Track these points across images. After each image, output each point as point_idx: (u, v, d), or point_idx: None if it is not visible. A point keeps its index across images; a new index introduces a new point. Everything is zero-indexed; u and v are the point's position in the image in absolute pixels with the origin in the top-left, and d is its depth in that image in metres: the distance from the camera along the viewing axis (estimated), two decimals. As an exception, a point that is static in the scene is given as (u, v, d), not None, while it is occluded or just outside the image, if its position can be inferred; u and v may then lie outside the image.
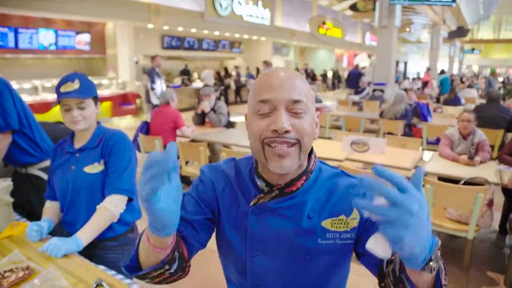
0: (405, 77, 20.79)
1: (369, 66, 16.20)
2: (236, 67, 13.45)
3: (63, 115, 1.53)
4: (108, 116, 9.31)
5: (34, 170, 2.33)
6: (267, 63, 9.74)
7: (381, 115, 6.04)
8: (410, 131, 5.79)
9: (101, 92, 9.51)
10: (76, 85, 1.47)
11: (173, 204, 0.65)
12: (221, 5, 11.07)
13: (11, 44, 8.61)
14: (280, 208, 0.85)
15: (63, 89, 1.47)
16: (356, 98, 9.30)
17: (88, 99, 1.51)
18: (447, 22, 18.65)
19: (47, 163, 2.37)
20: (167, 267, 0.78)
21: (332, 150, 3.86)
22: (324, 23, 16.46)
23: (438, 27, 17.48)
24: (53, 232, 1.60)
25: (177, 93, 5.03)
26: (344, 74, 20.71)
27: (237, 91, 13.47)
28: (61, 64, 10.22)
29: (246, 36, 13.78)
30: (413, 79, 14.61)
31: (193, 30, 11.32)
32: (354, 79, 11.97)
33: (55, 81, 9.00)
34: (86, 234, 1.44)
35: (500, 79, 17.44)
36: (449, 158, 3.48)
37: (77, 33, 9.93)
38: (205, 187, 0.93)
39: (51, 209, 1.66)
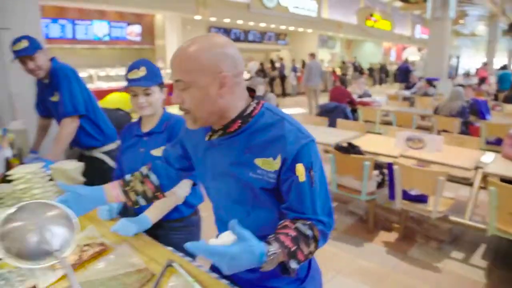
0: (457, 72, 19.68)
1: (420, 60, 15.48)
2: (281, 59, 13.34)
3: (131, 100, 1.60)
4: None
5: (98, 153, 2.46)
6: (313, 56, 9.60)
7: (435, 111, 5.75)
8: (466, 129, 5.46)
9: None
10: (142, 72, 1.51)
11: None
12: (268, -4, 11.03)
13: (69, 35, 9.11)
14: (222, 144, 1.05)
15: (130, 76, 1.52)
16: (406, 93, 8.91)
17: (153, 86, 1.55)
18: (506, 13, 17.38)
19: (110, 147, 2.49)
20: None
21: (384, 146, 3.73)
22: (371, 15, 15.94)
23: (497, 18, 16.34)
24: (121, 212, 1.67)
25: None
26: (392, 68, 19.96)
27: (282, 84, 13.35)
28: (113, 54, 10.66)
29: (292, 28, 13.64)
30: (468, 74, 13.80)
31: (240, 22, 11.37)
32: (403, 74, 11.49)
33: (108, 70, 9.42)
34: (153, 213, 1.50)
35: None
36: (513, 159, 3.25)
37: (129, 24, 10.30)
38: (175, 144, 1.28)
39: None
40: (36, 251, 1.05)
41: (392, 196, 3.13)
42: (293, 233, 0.93)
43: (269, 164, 0.99)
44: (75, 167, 1.67)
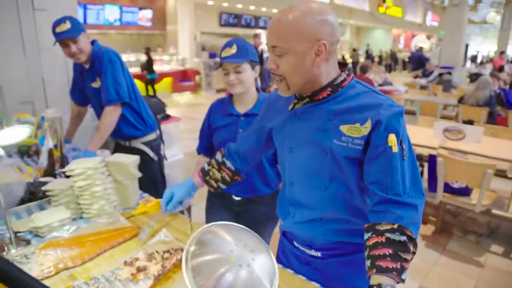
0: (466, 60, 19.40)
1: (435, 48, 15.21)
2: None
3: (223, 78, 1.58)
4: (168, 91, 9.47)
5: (138, 144, 2.35)
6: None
7: (460, 101, 5.61)
8: (492, 119, 5.33)
9: (161, 68, 9.67)
10: (233, 50, 1.49)
11: None
12: (281, -19, 10.76)
13: (80, 19, 8.88)
14: (308, 111, 1.04)
15: (222, 54, 1.52)
16: (423, 81, 8.75)
17: (244, 63, 1.52)
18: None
19: (150, 137, 2.38)
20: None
21: (420, 136, 3.61)
22: (384, 1, 15.62)
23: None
24: None
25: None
26: (401, 56, 19.66)
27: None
28: (123, 39, 10.49)
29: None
30: (482, 62, 13.56)
31: (252, 8, 11.13)
32: (416, 62, 11.29)
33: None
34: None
35: None
36: (556, 151, 3.15)
37: (140, 9, 10.09)
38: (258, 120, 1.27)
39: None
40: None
41: (432, 188, 3.03)
42: (389, 250, 0.86)
43: (356, 130, 0.96)
44: (133, 160, 1.57)
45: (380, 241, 0.88)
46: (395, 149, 0.93)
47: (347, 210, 1.04)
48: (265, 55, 5.72)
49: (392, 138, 0.93)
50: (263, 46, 5.62)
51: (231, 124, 1.63)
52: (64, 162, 2.02)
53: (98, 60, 2.11)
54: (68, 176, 1.47)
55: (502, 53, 12.94)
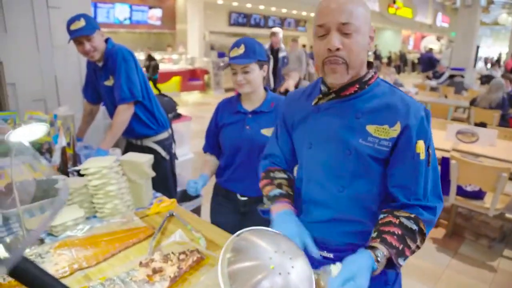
0: (476, 61, 19.16)
1: (445, 49, 15.07)
2: (303, 46, 13.07)
3: (231, 78, 1.59)
4: (177, 90, 9.48)
5: (150, 143, 2.34)
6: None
7: (472, 103, 5.54)
8: (505, 122, 5.25)
9: (170, 67, 9.68)
10: (241, 50, 1.51)
11: None
12: (291, -20, 10.73)
13: (90, 17, 8.95)
14: (333, 107, 1.00)
15: (231, 54, 1.53)
16: (433, 83, 8.65)
17: (252, 63, 1.53)
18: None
19: (162, 135, 2.37)
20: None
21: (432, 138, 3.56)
22: (394, 1, 15.49)
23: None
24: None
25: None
26: (410, 57, 19.48)
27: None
28: (133, 38, 10.53)
29: (312, 14, 13.31)
30: (492, 64, 13.39)
31: (261, 7, 11.11)
32: (425, 63, 11.17)
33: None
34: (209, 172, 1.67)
35: None
36: None
37: (150, 8, 10.12)
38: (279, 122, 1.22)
39: (211, 162, 1.78)
40: None
41: (444, 191, 2.99)
42: (398, 230, 0.90)
43: (384, 131, 0.95)
44: (147, 159, 1.56)
45: (393, 222, 0.92)
46: (422, 156, 0.94)
47: (364, 212, 1.02)
48: (281, 54, 5.66)
49: (420, 145, 0.93)
50: (280, 45, 5.55)
51: (239, 122, 1.64)
52: (76, 160, 2.02)
53: (112, 58, 2.10)
54: (81, 175, 1.46)
55: (514, 55, 12.77)
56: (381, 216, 0.96)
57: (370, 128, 0.96)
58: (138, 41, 10.54)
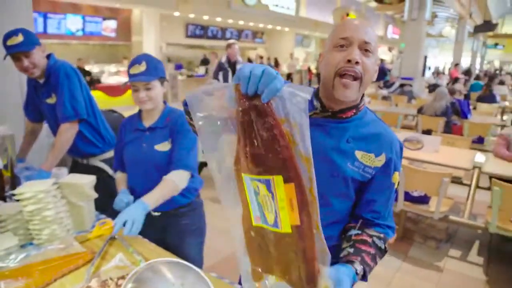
0: (424, 71, 20.33)
1: (396, 59, 15.85)
2: (261, 57, 13.26)
3: (132, 95, 1.58)
4: (132, 104, 9.22)
5: (97, 162, 2.26)
6: (291, 56, 9.58)
7: (419, 111, 5.85)
8: (449, 129, 5.60)
9: (126, 79, 9.43)
10: (142, 67, 1.51)
11: None
12: (247, -6, 10.89)
13: (40, 29, 8.60)
14: (327, 125, 1.01)
15: (131, 71, 1.53)
16: (384, 92, 9.07)
17: (154, 80, 1.54)
18: (473, 15, 18.09)
19: (109, 154, 2.29)
20: None
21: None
22: (347, 14, 16.11)
23: (465, 21, 16.97)
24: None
25: (201, 83, 4.88)
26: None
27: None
28: (86, 50, 10.21)
29: (270, 27, 13.57)
30: (438, 73, 14.25)
31: (218, 19, 11.17)
32: (378, 73, 11.65)
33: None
34: (151, 200, 1.46)
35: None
36: (507, 159, 3.33)
37: (104, 19, 9.88)
38: None
39: (123, 179, 1.76)
40: None
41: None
42: (372, 250, 0.98)
43: (370, 159, 1.00)
44: (89, 181, 1.51)
45: (368, 242, 0.99)
46: (396, 185, 1.04)
47: (336, 227, 1.08)
48: (239, 66, 5.65)
49: (396, 176, 1.03)
50: (237, 57, 5.54)
51: (137, 139, 1.65)
52: (15, 183, 1.91)
53: (54, 75, 2.02)
54: (18, 200, 1.39)
55: (456, 65, 13.67)
56: (355, 232, 1.02)
57: (358, 154, 1.00)
58: (92, 53, 10.23)
